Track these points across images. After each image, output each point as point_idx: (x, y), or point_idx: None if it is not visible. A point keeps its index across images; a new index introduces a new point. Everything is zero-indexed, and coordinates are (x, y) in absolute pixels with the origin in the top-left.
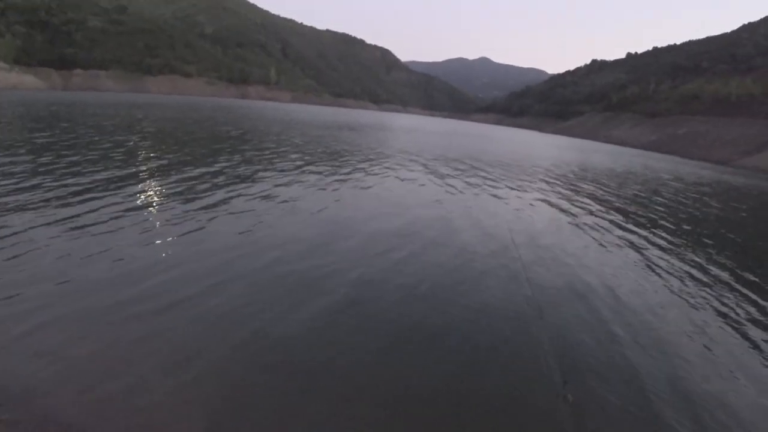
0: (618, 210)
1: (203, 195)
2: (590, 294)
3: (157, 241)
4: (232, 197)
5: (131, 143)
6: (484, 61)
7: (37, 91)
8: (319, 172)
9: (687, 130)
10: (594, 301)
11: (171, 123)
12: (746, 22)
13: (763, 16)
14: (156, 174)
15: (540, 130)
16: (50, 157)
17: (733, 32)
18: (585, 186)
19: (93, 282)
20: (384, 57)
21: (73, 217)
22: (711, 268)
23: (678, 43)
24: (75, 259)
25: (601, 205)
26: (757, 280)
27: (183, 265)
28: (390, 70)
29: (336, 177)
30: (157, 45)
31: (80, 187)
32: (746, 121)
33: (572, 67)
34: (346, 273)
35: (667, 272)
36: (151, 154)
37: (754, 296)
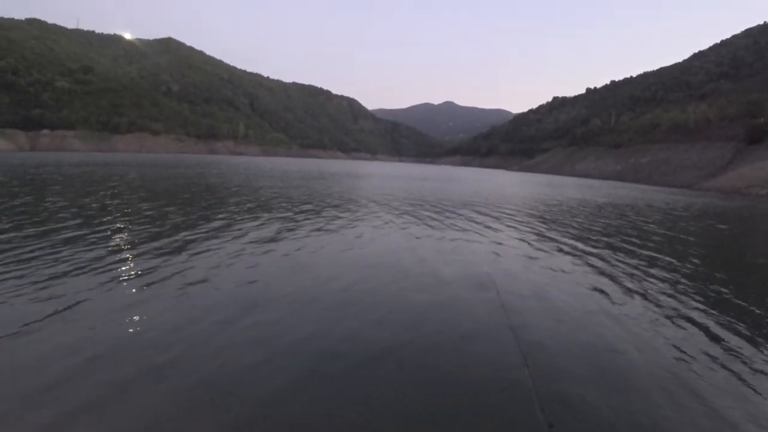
0: (600, 239)
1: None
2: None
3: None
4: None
5: (153, 204)
6: (449, 105)
7: (4, 153)
8: (293, 219)
9: (650, 159)
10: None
11: (170, 180)
12: (696, 51)
13: (711, 44)
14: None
15: (507, 168)
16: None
17: (685, 61)
18: (554, 219)
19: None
20: (351, 106)
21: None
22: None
23: (634, 75)
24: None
25: (576, 236)
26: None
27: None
28: (357, 119)
29: (307, 225)
30: (123, 103)
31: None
32: (706, 145)
33: (535, 105)
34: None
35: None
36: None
37: (749, 321)
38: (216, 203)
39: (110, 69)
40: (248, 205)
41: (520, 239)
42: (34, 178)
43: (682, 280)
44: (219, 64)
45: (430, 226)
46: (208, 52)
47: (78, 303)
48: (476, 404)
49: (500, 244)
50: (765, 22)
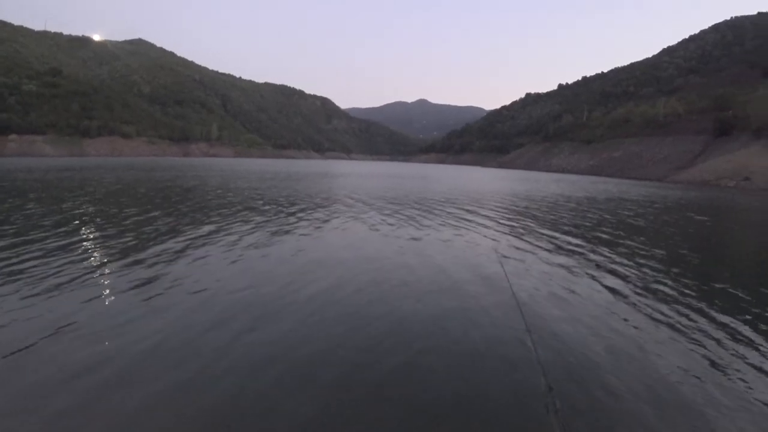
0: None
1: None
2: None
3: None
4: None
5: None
6: (422, 103)
7: None
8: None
9: (622, 153)
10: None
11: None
12: (666, 46)
13: (679, 40)
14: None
15: (482, 165)
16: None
17: (655, 56)
18: (544, 214)
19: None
20: (324, 106)
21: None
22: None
23: (605, 71)
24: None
25: (553, 226)
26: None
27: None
28: (331, 118)
29: (286, 225)
30: (93, 107)
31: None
32: (676, 139)
33: (508, 102)
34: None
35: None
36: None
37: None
38: (199, 207)
39: (80, 71)
40: (233, 208)
41: (517, 236)
42: (7, 185)
43: (674, 269)
44: (190, 65)
45: (422, 225)
46: (179, 53)
47: (75, 320)
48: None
49: (497, 241)
50: (732, 17)
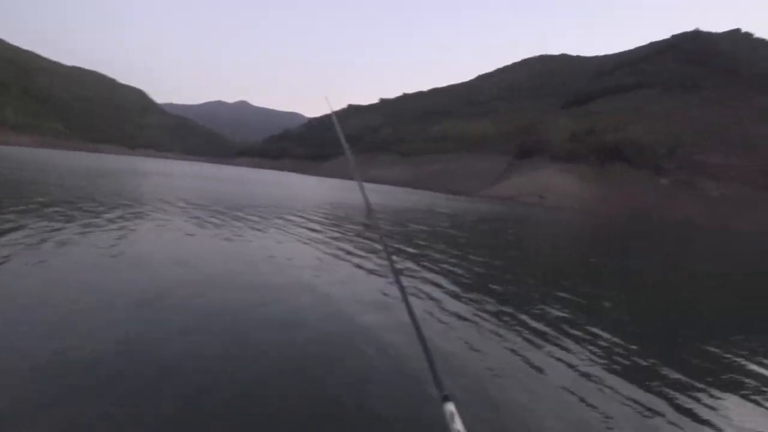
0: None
1: None
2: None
3: None
4: None
5: None
6: (243, 105)
7: None
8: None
9: (439, 167)
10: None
11: None
12: (481, 73)
13: (494, 68)
14: None
15: (301, 172)
16: None
17: (471, 81)
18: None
19: None
20: (139, 98)
21: None
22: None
23: (425, 90)
24: None
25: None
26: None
27: None
28: (146, 112)
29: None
30: None
31: None
32: (486, 157)
33: (329, 111)
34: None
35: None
36: None
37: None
38: None
39: None
40: (31, 205)
41: (337, 241)
42: None
43: (491, 273)
44: None
45: (245, 231)
46: None
47: None
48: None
49: (321, 248)
50: (539, 55)
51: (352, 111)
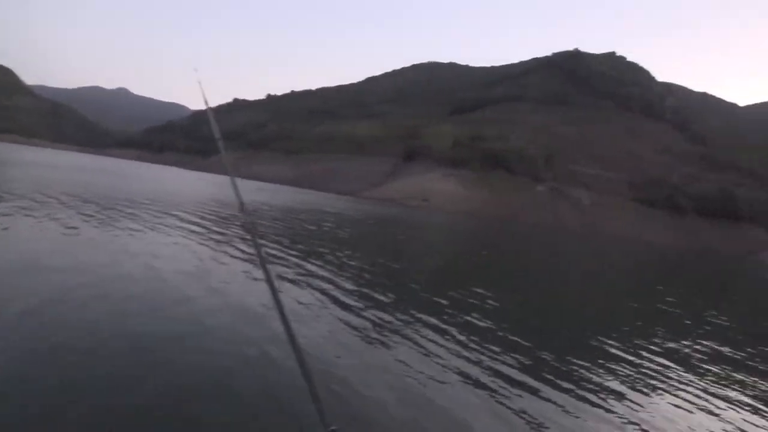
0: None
1: None
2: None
3: None
4: None
5: None
6: (123, 92)
7: None
8: None
9: (323, 167)
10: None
11: None
12: (371, 75)
13: (383, 72)
14: None
15: (183, 166)
16: None
17: (360, 83)
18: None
19: None
20: (5, 77)
21: None
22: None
23: (313, 88)
24: None
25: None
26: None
27: None
28: (12, 94)
29: None
30: None
31: None
32: (370, 159)
33: (215, 105)
34: None
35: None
36: None
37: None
38: None
39: None
40: None
41: (226, 243)
42: None
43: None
44: None
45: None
46: None
47: None
48: None
49: (210, 248)
50: (428, 61)
51: (238, 105)
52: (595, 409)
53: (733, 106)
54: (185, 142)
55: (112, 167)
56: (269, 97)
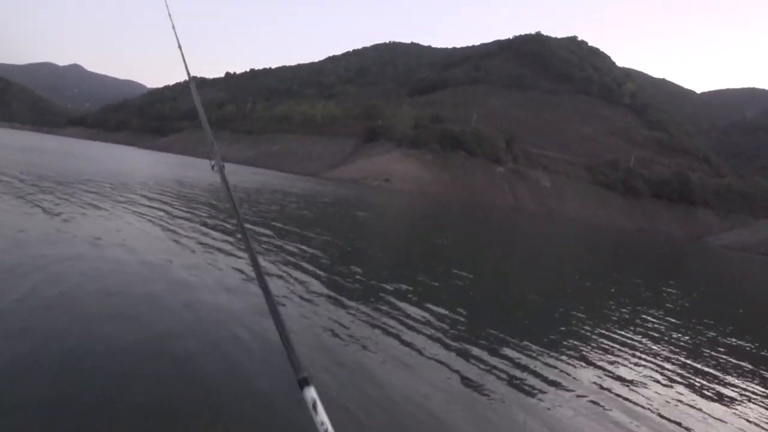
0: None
1: None
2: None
3: None
4: None
5: None
6: (75, 69)
7: None
8: None
9: (281, 147)
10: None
11: None
12: (331, 55)
13: (343, 51)
14: None
15: (138, 146)
16: None
17: (320, 62)
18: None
19: None
20: None
21: None
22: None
23: (273, 67)
24: None
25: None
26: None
27: None
28: None
29: None
30: None
31: None
32: (330, 140)
33: (172, 82)
34: None
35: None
36: None
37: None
38: None
39: None
40: None
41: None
42: None
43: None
44: None
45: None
46: None
47: None
48: None
49: (173, 231)
50: (390, 41)
51: (196, 83)
52: (542, 384)
53: (691, 92)
54: (139, 121)
55: (64, 147)
56: (228, 75)
